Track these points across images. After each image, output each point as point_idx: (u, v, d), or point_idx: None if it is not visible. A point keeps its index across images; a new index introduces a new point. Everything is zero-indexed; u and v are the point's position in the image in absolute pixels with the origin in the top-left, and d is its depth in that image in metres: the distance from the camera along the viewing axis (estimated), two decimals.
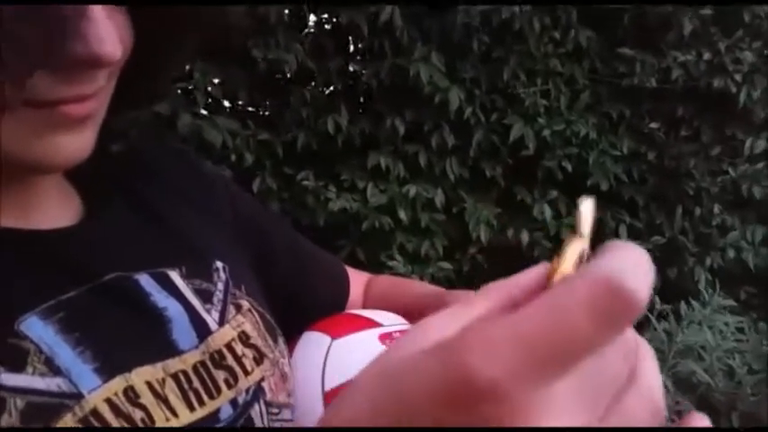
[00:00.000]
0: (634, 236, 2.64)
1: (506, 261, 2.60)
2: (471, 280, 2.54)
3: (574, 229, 0.27)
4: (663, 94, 2.65)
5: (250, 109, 2.63)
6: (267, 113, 2.59)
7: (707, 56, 2.59)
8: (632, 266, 0.21)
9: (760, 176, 2.64)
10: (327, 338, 0.59)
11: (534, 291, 0.26)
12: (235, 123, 2.32)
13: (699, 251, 2.70)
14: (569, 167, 2.53)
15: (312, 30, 2.53)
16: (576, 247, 0.26)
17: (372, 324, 0.60)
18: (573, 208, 2.64)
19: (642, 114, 2.70)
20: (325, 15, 2.50)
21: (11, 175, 0.41)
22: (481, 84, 2.53)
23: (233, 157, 2.33)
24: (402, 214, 2.40)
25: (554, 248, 2.64)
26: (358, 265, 0.81)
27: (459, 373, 0.20)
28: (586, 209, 0.27)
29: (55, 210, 0.47)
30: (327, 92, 2.57)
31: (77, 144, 0.41)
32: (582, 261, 0.26)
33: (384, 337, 0.59)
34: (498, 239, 2.51)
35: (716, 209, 2.68)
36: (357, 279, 0.74)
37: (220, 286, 0.51)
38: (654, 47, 2.64)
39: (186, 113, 2.14)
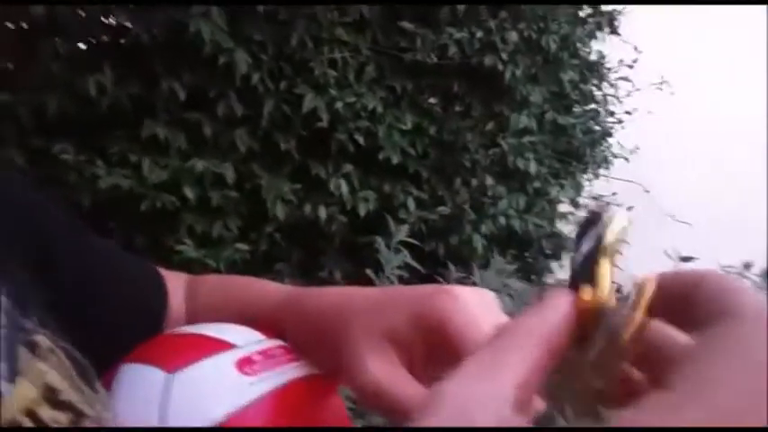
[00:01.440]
0: (421, 207, 2.64)
1: (304, 238, 2.40)
2: (269, 260, 2.29)
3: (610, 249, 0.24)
4: (440, 69, 2.68)
5: None
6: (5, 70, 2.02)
7: (479, 34, 2.67)
8: None
9: (523, 149, 2.82)
10: (161, 373, 0.42)
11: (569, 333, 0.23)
12: None
13: (475, 219, 2.80)
14: (361, 141, 2.42)
15: None
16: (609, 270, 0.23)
17: (222, 345, 0.43)
18: (366, 182, 2.58)
19: (422, 89, 2.71)
20: None
21: None
22: (268, 48, 2.29)
23: None
24: (189, 192, 2.06)
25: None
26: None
27: None
28: (620, 221, 0.24)
29: None
30: (85, 47, 2.10)
31: None
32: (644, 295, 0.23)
33: (242, 364, 0.41)
34: (295, 216, 2.30)
35: (488, 180, 2.81)
36: (174, 283, 0.55)
37: (3, 320, 0.35)
38: (432, 22, 2.65)
39: None
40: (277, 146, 2.29)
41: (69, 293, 0.44)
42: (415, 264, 2.31)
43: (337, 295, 0.44)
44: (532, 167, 2.84)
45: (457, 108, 2.79)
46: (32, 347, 0.37)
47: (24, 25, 2.00)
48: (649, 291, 0.22)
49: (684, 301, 0.22)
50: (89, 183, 1.94)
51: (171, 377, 0.41)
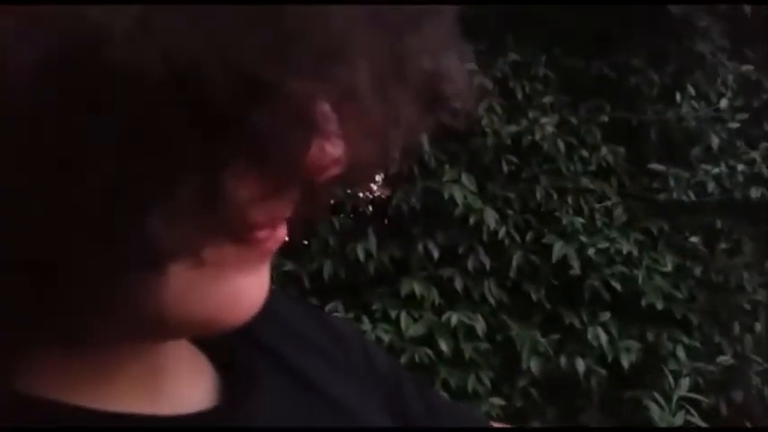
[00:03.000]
0: (693, 356, 2.32)
1: (560, 393, 2.24)
2: (523, 416, 2.17)
3: None
4: (700, 207, 2.46)
5: None
6: (290, 243, 2.36)
7: (740, 167, 2.43)
8: None
9: None
10: None
11: None
12: None
13: (764, 370, 2.37)
14: (618, 286, 2.26)
15: None
16: None
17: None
18: (625, 330, 2.37)
19: (681, 228, 2.49)
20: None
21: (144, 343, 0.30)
22: (513, 203, 2.34)
23: None
24: (443, 345, 2.09)
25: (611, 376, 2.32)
26: None
27: None
28: None
29: (189, 387, 0.34)
30: (354, 219, 2.36)
31: (258, 287, 0.29)
32: None
33: None
34: (549, 369, 2.18)
35: None
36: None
37: None
38: (682, 161, 2.50)
39: None
40: (527, 295, 2.25)
41: (414, 423, 0.47)
42: (701, 423, 2.00)
43: None
44: None
45: (723, 245, 2.50)
46: None
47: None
48: None
49: None
50: None
51: None
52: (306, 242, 2.24)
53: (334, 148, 0.26)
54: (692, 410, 1.86)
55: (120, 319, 0.26)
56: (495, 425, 0.61)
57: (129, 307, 0.25)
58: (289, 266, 2.14)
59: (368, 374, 0.45)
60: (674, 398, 1.83)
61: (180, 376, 0.34)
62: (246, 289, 0.29)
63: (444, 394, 2.03)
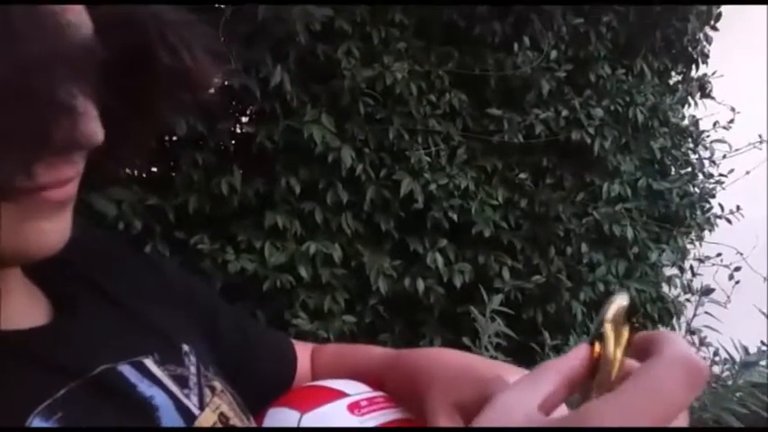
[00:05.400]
0: (516, 276, 2.72)
1: (406, 310, 2.57)
2: (374, 331, 2.47)
3: (611, 319, 0.35)
4: (529, 147, 2.81)
5: (135, 174, 2.45)
6: (155, 178, 2.42)
7: (564, 112, 2.78)
8: (690, 348, 0.31)
9: (618, 216, 2.84)
10: (296, 413, 0.56)
11: (585, 369, 0.34)
12: (122, 191, 2.14)
13: (573, 287, 2.83)
14: (455, 217, 2.58)
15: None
16: (614, 333, 0.35)
17: (338, 394, 0.57)
18: (460, 254, 2.72)
19: (512, 166, 2.84)
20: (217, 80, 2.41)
21: None
22: (369, 143, 2.55)
23: (121, 225, 2.14)
24: (303, 272, 2.31)
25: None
26: None
27: None
28: (621, 301, 0.35)
29: (24, 308, 0.44)
30: (218, 154, 2.46)
31: (59, 229, 0.39)
32: (620, 344, 0.35)
33: (353, 407, 0.56)
34: (396, 289, 2.48)
35: (583, 247, 2.84)
36: (302, 351, 0.71)
37: (192, 370, 0.50)
38: (517, 106, 2.80)
39: None
40: (378, 227, 2.51)
41: (229, 354, 0.59)
42: (510, 332, 2.38)
43: (426, 359, 0.57)
44: (629, 233, 2.84)
45: (548, 181, 2.88)
46: (212, 389, 0.51)
47: (168, 139, 2.40)
48: (623, 342, 0.34)
49: (645, 347, 0.33)
50: (221, 268, 2.25)
51: (302, 416, 0.55)
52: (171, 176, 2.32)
53: (85, 128, 0.36)
54: (500, 321, 2.21)
55: None
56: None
57: None
58: (153, 200, 2.22)
59: (186, 306, 0.57)
60: (488, 311, 2.18)
61: (18, 300, 0.44)
62: (47, 230, 0.39)
63: (303, 314, 2.28)
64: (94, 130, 0.37)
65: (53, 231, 0.39)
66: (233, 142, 2.46)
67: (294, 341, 0.71)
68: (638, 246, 2.96)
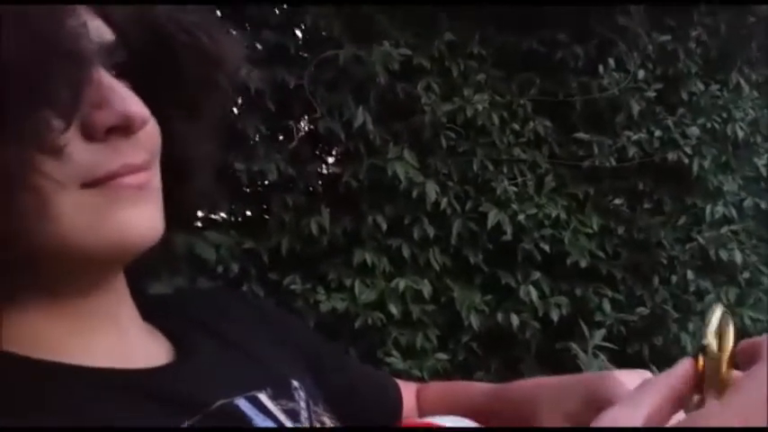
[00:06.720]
0: (618, 308, 2.58)
1: (500, 346, 2.48)
2: (468, 369, 2.40)
3: (714, 330, 0.35)
4: (622, 171, 2.69)
5: (232, 219, 2.54)
6: (249, 222, 2.50)
7: (657, 133, 2.66)
8: None
9: (724, 240, 2.65)
10: None
11: (690, 382, 0.34)
12: (220, 235, 2.22)
13: (680, 318, 2.65)
14: (546, 248, 2.49)
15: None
16: (717, 343, 0.34)
17: (439, 428, 0.59)
18: (556, 287, 2.61)
19: (606, 192, 2.72)
20: (302, 124, 2.49)
21: (98, 296, 0.42)
22: (452, 176, 2.53)
23: (220, 268, 2.21)
24: (393, 309, 2.29)
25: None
26: None
27: None
28: (718, 316, 0.35)
29: (147, 350, 0.47)
30: (307, 196, 2.51)
31: (145, 218, 0.40)
32: (725, 354, 0.34)
33: None
34: (488, 325, 2.41)
35: (689, 275, 2.66)
36: (407, 389, 0.71)
37: (303, 404, 0.51)
38: (607, 129, 2.70)
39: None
40: (467, 260, 2.46)
41: (335, 390, 0.59)
42: (615, 369, 2.24)
43: (529, 387, 0.59)
44: (738, 257, 2.64)
45: (646, 206, 2.74)
46: (322, 424, 0.52)
47: (260, 183, 2.48)
48: (728, 351, 0.34)
49: (749, 355, 0.33)
50: (313, 307, 2.27)
51: None
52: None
53: (130, 107, 0.38)
54: (603, 357, 2.09)
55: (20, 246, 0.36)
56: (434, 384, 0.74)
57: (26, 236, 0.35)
58: (249, 244, 2.29)
59: (289, 343, 0.58)
60: (590, 347, 2.07)
61: (141, 343, 0.47)
62: (133, 219, 0.39)
63: (396, 352, 2.25)
64: (140, 107, 0.39)
65: (139, 218, 0.40)
66: (320, 183, 2.51)
67: (398, 379, 0.72)
68: (748, 270, 2.74)
